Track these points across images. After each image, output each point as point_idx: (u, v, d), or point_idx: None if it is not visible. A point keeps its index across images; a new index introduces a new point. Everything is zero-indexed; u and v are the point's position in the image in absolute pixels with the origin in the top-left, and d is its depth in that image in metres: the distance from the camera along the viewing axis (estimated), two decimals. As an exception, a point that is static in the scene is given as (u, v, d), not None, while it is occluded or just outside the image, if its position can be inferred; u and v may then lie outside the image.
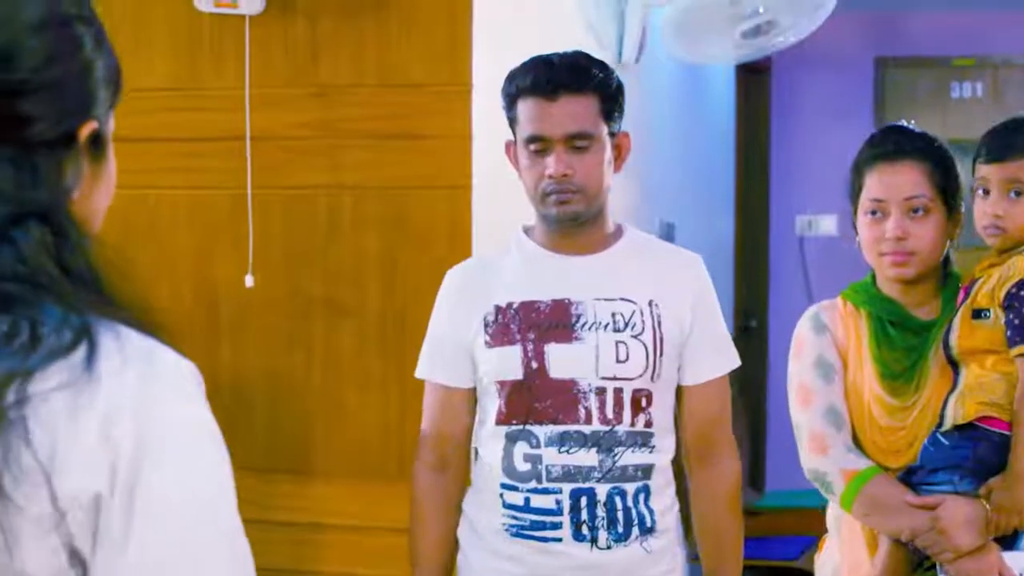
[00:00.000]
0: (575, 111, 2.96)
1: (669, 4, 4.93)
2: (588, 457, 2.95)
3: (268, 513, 3.96)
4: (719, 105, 7.57)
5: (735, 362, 3.14)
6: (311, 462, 4.02)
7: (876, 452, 2.96)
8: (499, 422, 3.02)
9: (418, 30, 3.90)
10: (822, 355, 3.03)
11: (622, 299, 3.01)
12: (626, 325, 2.99)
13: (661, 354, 3.00)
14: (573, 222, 3.01)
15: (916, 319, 3.02)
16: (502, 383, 3.01)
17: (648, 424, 2.99)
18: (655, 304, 3.01)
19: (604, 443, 2.95)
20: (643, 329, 2.99)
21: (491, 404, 3.04)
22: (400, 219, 3.92)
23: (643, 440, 2.99)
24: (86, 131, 1.33)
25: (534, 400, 2.97)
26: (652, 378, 3.00)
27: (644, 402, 2.99)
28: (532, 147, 2.98)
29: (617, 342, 2.97)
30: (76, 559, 1.21)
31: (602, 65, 3.04)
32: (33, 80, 1.28)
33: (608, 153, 3.01)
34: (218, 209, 4.06)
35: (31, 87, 1.28)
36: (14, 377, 1.19)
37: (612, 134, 3.02)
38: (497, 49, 3.91)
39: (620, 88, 3.05)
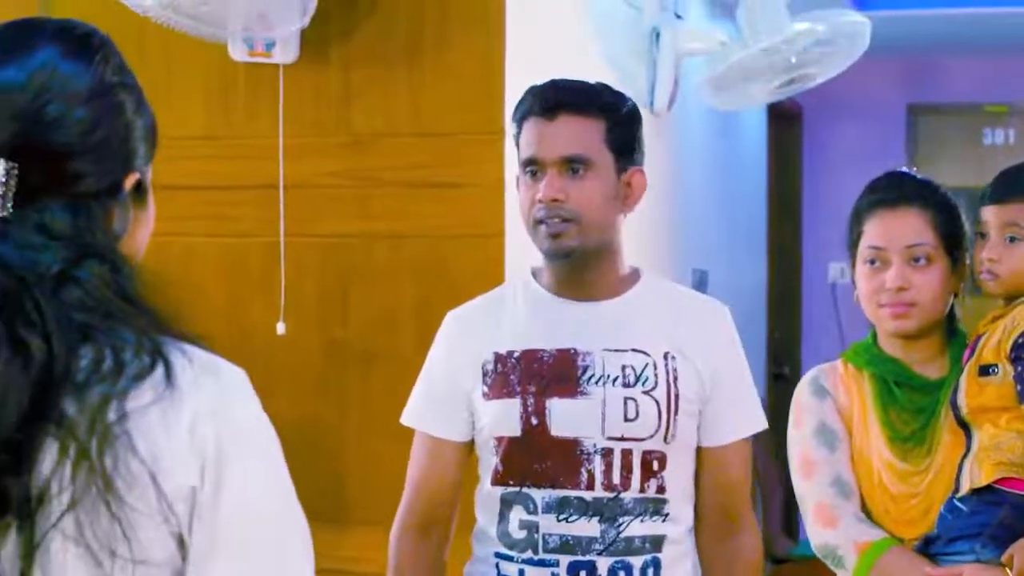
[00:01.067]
0: (574, 132, 2.68)
1: (702, 55, 4.94)
2: (589, 527, 2.65)
3: (301, 561, 3.95)
4: (751, 153, 7.58)
5: (761, 424, 2.84)
6: (344, 510, 4.02)
7: (889, 523, 2.77)
8: (495, 482, 2.73)
9: (451, 78, 3.91)
10: (823, 422, 2.84)
11: (634, 350, 2.70)
12: (637, 380, 2.68)
13: (676, 413, 2.69)
14: (568, 259, 2.70)
15: (923, 378, 2.82)
16: (499, 439, 2.71)
17: (660, 490, 2.68)
18: (671, 357, 2.70)
19: (607, 512, 2.65)
20: (656, 384, 2.68)
21: (489, 461, 2.75)
22: (433, 268, 3.93)
23: (654, 508, 2.68)
24: (130, 182, 1.55)
25: (533, 460, 2.68)
26: (665, 439, 2.68)
27: (656, 465, 2.68)
28: (528, 170, 2.72)
29: (626, 398, 2.67)
30: (182, 545, 1.45)
31: (616, 93, 2.78)
32: (80, 143, 1.49)
33: (612, 185, 2.71)
34: (251, 257, 4.08)
35: (79, 149, 1.49)
36: (110, 398, 1.42)
37: (622, 169, 2.72)
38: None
39: (633, 118, 2.77)
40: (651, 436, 2.67)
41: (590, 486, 2.65)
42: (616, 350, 2.70)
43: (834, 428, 2.84)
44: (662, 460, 2.69)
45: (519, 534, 2.69)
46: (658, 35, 4.86)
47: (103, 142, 1.50)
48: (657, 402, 2.68)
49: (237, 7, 3.76)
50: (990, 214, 2.79)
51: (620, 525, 2.65)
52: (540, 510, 2.67)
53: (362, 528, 4.00)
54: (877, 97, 8.19)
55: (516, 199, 3.79)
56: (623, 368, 2.68)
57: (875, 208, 2.84)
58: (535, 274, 2.83)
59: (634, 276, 2.81)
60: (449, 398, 2.78)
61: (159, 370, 1.45)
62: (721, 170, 6.78)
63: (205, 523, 1.45)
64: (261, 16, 3.79)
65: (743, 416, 2.80)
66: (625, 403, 2.67)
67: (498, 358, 2.73)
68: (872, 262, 2.82)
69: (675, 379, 2.69)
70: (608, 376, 2.68)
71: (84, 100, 1.50)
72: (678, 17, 5.12)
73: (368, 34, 3.99)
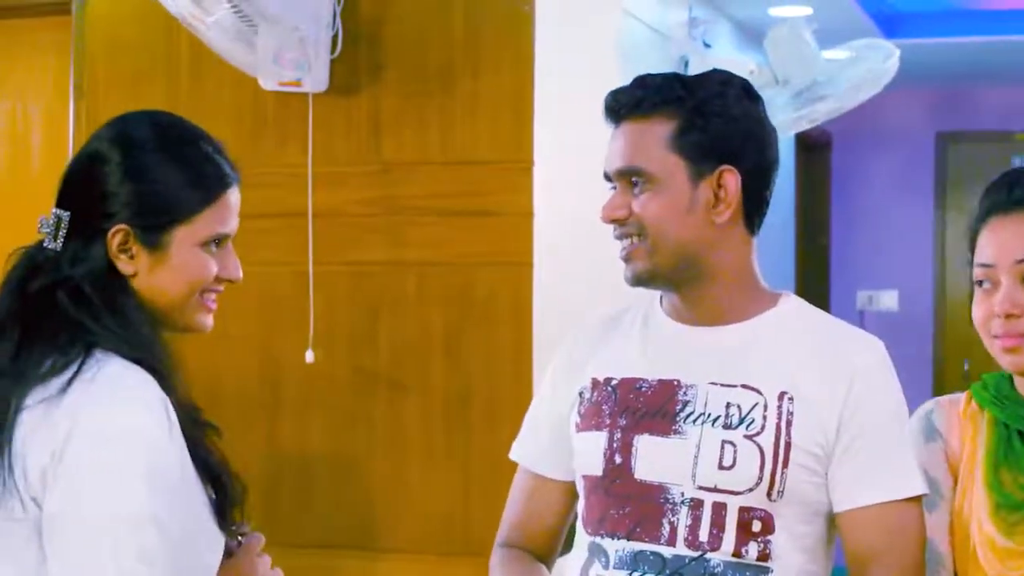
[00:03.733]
0: (632, 141, 2.26)
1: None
2: None
3: (329, 589, 3.95)
4: (779, 180, 7.57)
5: (913, 488, 2.22)
6: (375, 539, 4.02)
7: None
8: (583, 528, 2.32)
9: (481, 108, 3.93)
10: (925, 472, 2.24)
11: (744, 387, 2.24)
12: (740, 421, 2.21)
13: (785, 465, 2.19)
14: (646, 286, 2.31)
15: None
16: (585, 478, 2.32)
17: (763, 557, 2.19)
18: (788, 398, 2.22)
19: (688, 573, 2.19)
20: (762, 429, 2.20)
21: (581, 504, 2.35)
22: (462, 295, 3.94)
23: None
24: (113, 234, 1.96)
25: (611, 505, 2.25)
26: (769, 495, 2.19)
27: (757, 526, 2.20)
28: (609, 187, 2.32)
29: (724, 442, 2.20)
30: (37, 504, 1.86)
31: (702, 80, 2.31)
32: (71, 206, 1.98)
33: (684, 196, 2.25)
34: (280, 285, 4.09)
35: (72, 209, 1.97)
36: (25, 392, 1.88)
37: (704, 172, 2.25)
38: (558, 127, 3.93)
39: (720, 106, 2.28)
40: (749, 490, 2.20)
41: (671, 541, 2.21)
42: (723, 385, 2.25)
43: (938, 480, 2.26)
44: (766, 521, 2.21)
45: None
46: (687, 64, 4.87)
47: (83, 206, 1.97)
48: (761, 450, 2.20)
49: (263, 42, 3.79)
50: None
51: None
52: (612, 565, 2.25)
53: (392, 556, 4.00)
54: (907, 125, 8.18)
55: (546, 228, 3.76)
56: (727, 406, 2.23)
57: (988, 216, 2.23)
58: (663, 294, 2.39)
59: (770, 300, 2.34)
60: (551, 427, 2.41)
61: (67, 375, 1.87)
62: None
63: (50, 490, 1.85)
64: (281, 55, 3.82)
65: (885, 475, 2.22)
66: (722, 447, 2.21)
67: (595, 384, 2.34)
68: (981, 283, 2.22)
69: (788, 424, 2.21)
70: (708, 415, 2.24)
71: (79, 171, 2.00)
72: (706, 46, 5.12)
73: (398, 64, 4.01)
